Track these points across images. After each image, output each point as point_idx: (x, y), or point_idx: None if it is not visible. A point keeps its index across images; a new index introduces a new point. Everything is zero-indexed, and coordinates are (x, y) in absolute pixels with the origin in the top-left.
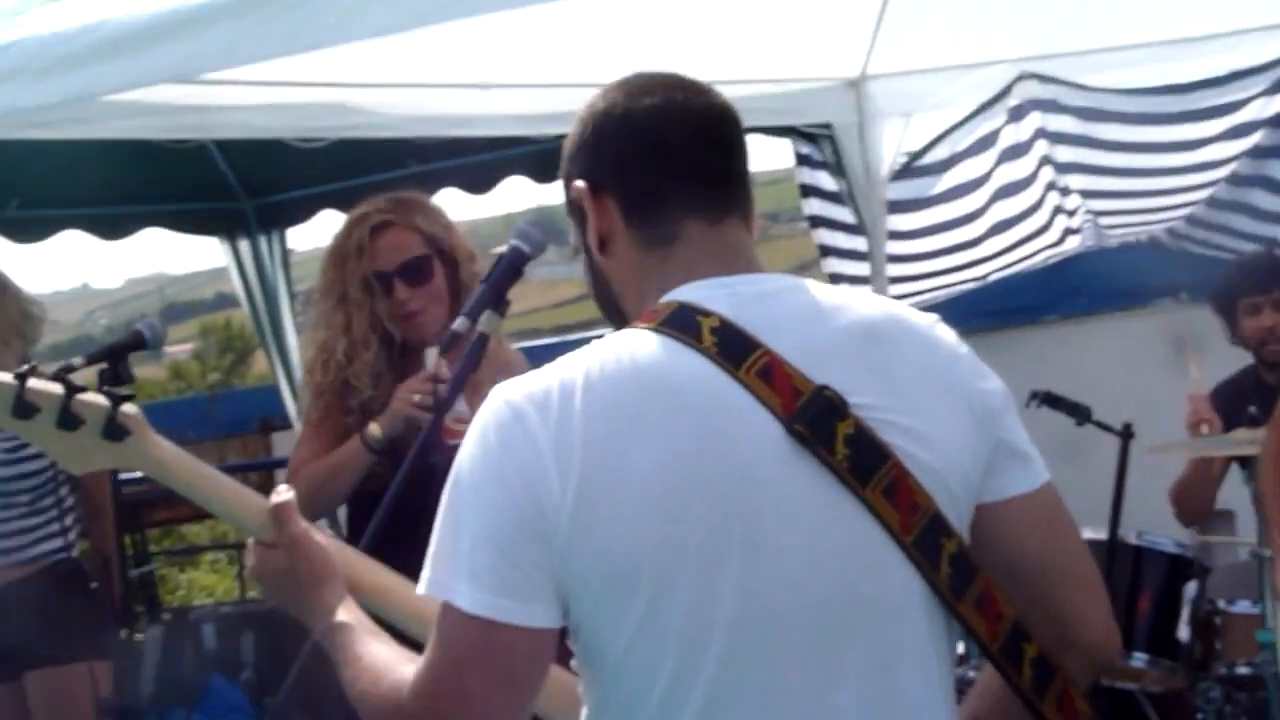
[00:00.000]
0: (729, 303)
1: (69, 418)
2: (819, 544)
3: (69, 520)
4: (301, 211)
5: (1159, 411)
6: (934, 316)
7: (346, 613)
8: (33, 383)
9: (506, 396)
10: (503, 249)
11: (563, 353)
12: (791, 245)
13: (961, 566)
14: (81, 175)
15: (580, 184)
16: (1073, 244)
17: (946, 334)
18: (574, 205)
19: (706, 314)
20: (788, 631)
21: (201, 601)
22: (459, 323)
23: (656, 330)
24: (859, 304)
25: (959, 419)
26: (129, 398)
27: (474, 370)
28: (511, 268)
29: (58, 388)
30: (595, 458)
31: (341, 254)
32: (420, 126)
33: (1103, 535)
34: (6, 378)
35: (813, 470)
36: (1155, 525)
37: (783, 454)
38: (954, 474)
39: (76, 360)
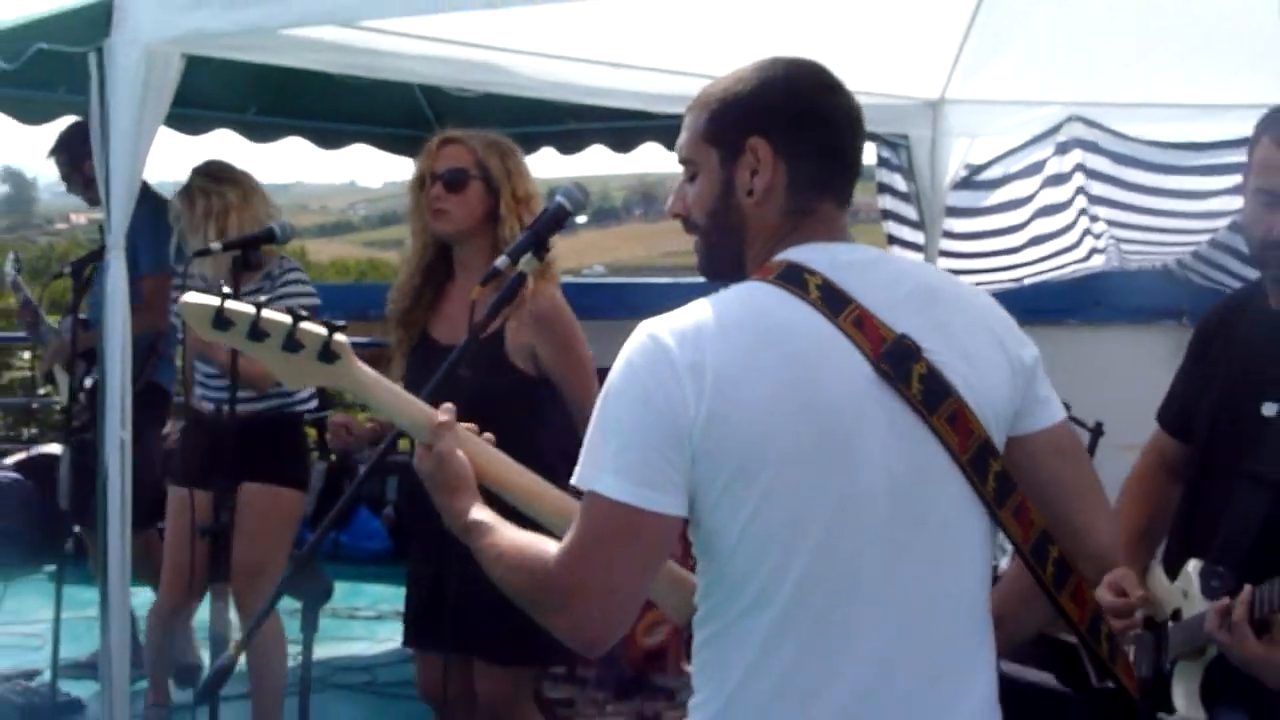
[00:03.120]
0: (830, 266)
1: (293, 343)
2: (896, 459)
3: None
4: None
5: (1144, 415)
6: (981, 290)
7: (479, 513)
8: (265, 312)
9: (651, 330)
10: (553, 202)
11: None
12: (864, 231)
13: (1004, 482)
14: (306, 93)
15: (764, 141)
16: (1097, 262)
17: (990, 302)
18: (735, 142)
19: (812, 273)
20: (867, 527)
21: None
22: (501, 260)
23: (773, 283)
24: (925, 273)
25: (1000, 369)
26: (342, 328)
27: (509, 303)
28: (555, 220)
29: (286, 318)
30: (724, 382)
31: (425, 152)
32: (555, 91)
33: None
34: (245, 306)
35: (893, 401)
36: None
37: (871, 386)
38: (994, 412)
39: (214, 245)
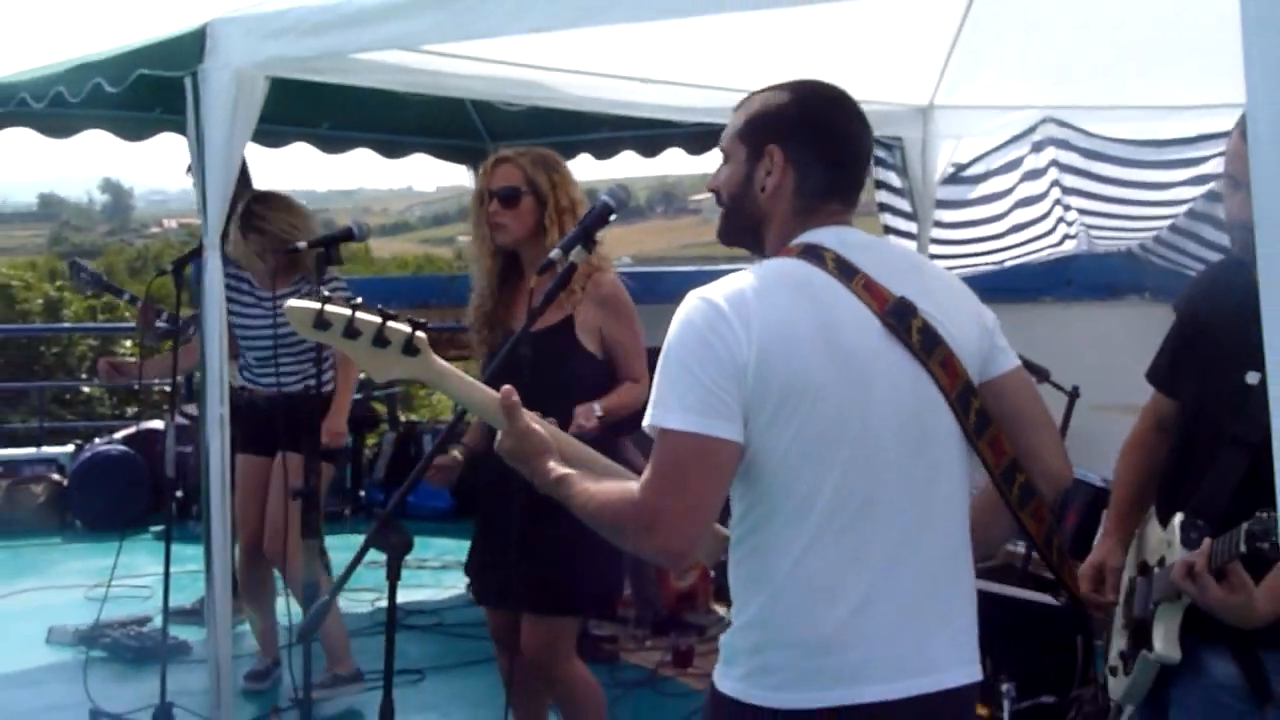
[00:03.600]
0: (839, 245)
1: (382, 340)
2: (901, 395)
3: (328, 363)
4: None
5: (1112, 379)
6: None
7: (564, 468)
8: (359, 314)
9: (704, 295)
10: (599, 201)
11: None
12: (862, 223)
13: (982, 417)
14: (372, 109)
15: (777, 149)
16: (1069, 247)
17: (958, 279)
18: (759, 144)
19: (826, 249)
20: (882, 452)
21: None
22: (555, 253)
23: (797, 258)
24: (911, 253)
25: (973, 326)
26: (423, 325)
27: (563, 289)
28: (601, 216)
29: (376, 318)
30: (768, 329)
31: (482, 171)
32: (590, 104)
33: None
34: (342, 309)
35: (897, 348)
36: (1089, 464)
37: (880, 337)
38: (970, 359)
39: (301, 244)
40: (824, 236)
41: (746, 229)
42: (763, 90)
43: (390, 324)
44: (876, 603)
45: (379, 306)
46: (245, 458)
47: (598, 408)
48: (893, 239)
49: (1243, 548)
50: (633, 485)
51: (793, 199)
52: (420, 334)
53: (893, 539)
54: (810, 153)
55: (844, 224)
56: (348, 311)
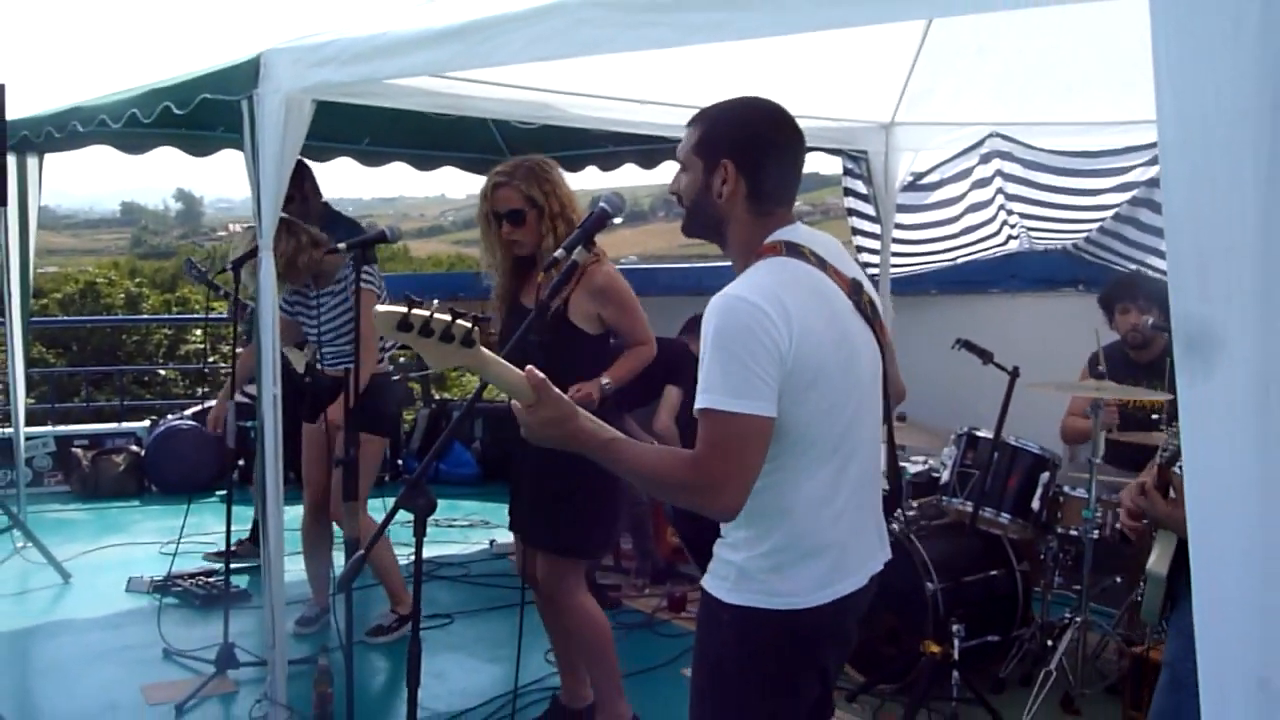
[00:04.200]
0: (809, 242)
1: (449, 335)
2: (870, 356)
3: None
4: None
5: (1049, 361)
6: None
7: (607, 432)
8: (436, 315)
9: (740, 296)
10: (597, 207)
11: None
12: (833, 226)
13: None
14: (406, 128)
15: (730, 163)
16: (1013, 246)
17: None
18: (713, 159)
19: (803, 246)
20: (865, 399)
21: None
22: (559, 253)
23: (787, 256)
24: (833, 240)
25: (872, 290)
26: (480, 319)
27: (565, 284)
28: (599, 220)
29: (447, 316)
30: (801, 323)
31: (482, 193)
32: (596, 122)
33: (990, 436)
34: (421, 311)
35: (860, 320)
36: (1028, 435)
37: (853, 315)
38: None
39: (340, 245)
40: (793, 235)
41: (707, 227)
42: (712, 108)
43: (457, 321)
44: (848, 511)
45: (438, 302)
46: (308, 427)
47: (605, 380)
48: (860, 240)
49: (1158, 458)
50: (684, 453)
51: (746, 203)
52: (475, 329)
53: (859, 461)
54: (757, 164)
55: (794, 222)
56: (426, 313)
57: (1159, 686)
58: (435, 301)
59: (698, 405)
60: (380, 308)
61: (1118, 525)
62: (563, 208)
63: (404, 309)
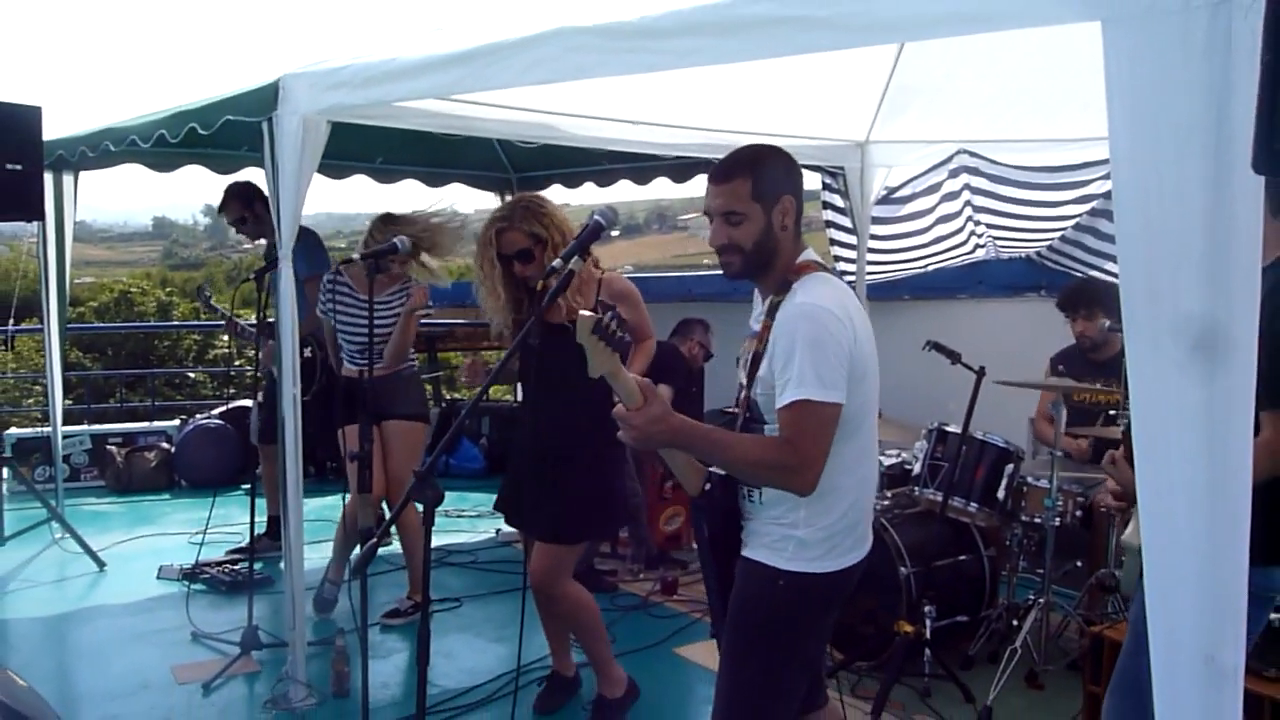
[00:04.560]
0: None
1: (614, 343)
2: (873, 353)
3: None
4: (543, 181)
5: (1014, 361)
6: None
7: (704, 427)
8: (614, 325)
9: (820, 304)
10: (592, 220)
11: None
12: (813, 238)
13: None
14: (417, 147)
15: (790, 198)
16: (980, 254)
17: None
18: (774, 199)
19: (826, 264)
20: (877, 389)
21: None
22: (557, 263)
23: (829, 273)
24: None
25: None
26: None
27: (563, 291)
28: (593, 233)
29: (616, 328)
30: (857, 331)
31: (484, 241)
32: (593, 141)
33: (959, 430)
34: (607, 321)
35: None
36: (995, 429)
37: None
38: None
39: (355, 256)
40: (811, 256)
41: (762, 263)
42: (741, 160)
43: (618, 332)
44: (871, 489)
45: (616, 316)
46: (353, 428)
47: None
48: (838, 250)
49: (1122, 428)
50: (773, 439)
51: (793, 229)
52: (622, 334)
53: (873, 445)
54: (799, 192)
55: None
56: (614, 323)
57: (1123, 650)
58: (610, 313)
59: (794, 396)
60: (584, 313)
61: (1083, 502)
62: (563, 236)
63: (599, 316)
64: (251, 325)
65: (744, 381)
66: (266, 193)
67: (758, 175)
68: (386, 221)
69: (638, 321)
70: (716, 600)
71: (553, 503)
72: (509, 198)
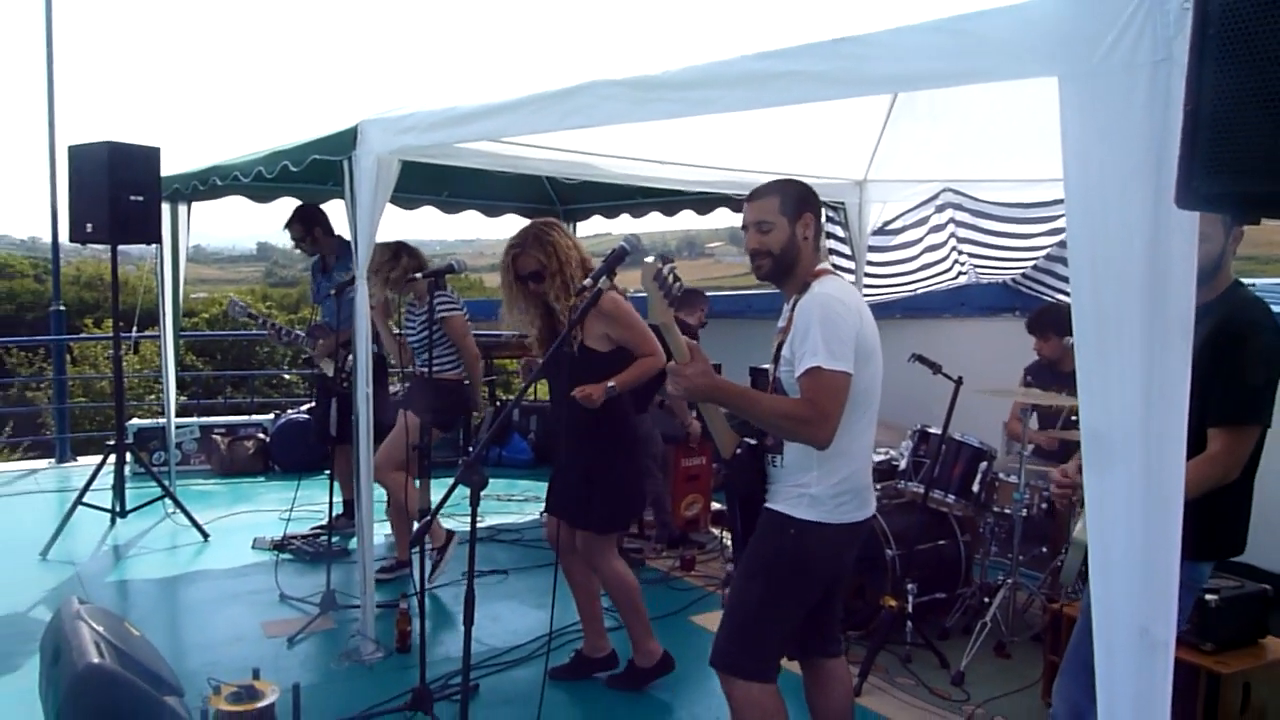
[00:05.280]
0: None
1: (671, 295)
2: (876, 344)
3: (455, 357)
4: (586, 213)
5: (989, 373)
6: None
7: (740, 386)
8: (670, 273)
9: (831, 294)
10: (618, 246)
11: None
12: None
13: None
14: (477, 182)
15: (811, 215)
16: (962, 280)
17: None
18: (798, 215)
19: (839, 270)
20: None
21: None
22: (587, 281)
23: (837, 276)
24: None
25: None
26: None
27: (594, 306)
28: (618, 257)
29: (671, 277)
30: (862, 318)
31: (504, 266)
32: (627, 179)
33: (940, 432)
34: (667, 269)
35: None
36: (971, 431)
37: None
38: None
39: (417, 275)
40: (827, 264)
41: (785, 268)
42: (770, 185)
43: (679, 284)
44: (867, 462)
45: (670, 266)
46: (403, 413)
47: (611, 384)
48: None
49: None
50: (795, 399)
51: (813, 244)
52: (678, 287)
53: (873, 425)
54: (818, 215)
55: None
56: (669, 271)
57: (1075, 629)
58: (669, 266)
59: (810, 364)
60: (647, 260)
61: (1047, 496)
62: (561, 262)
63: (660, 264)
64: (295, 330)
65: (771, 366)
66: (332, 220)
67: (784, 195)
68: (400, 250)
69: (632, 340)
70: (739, 548)
71: (579, 495)
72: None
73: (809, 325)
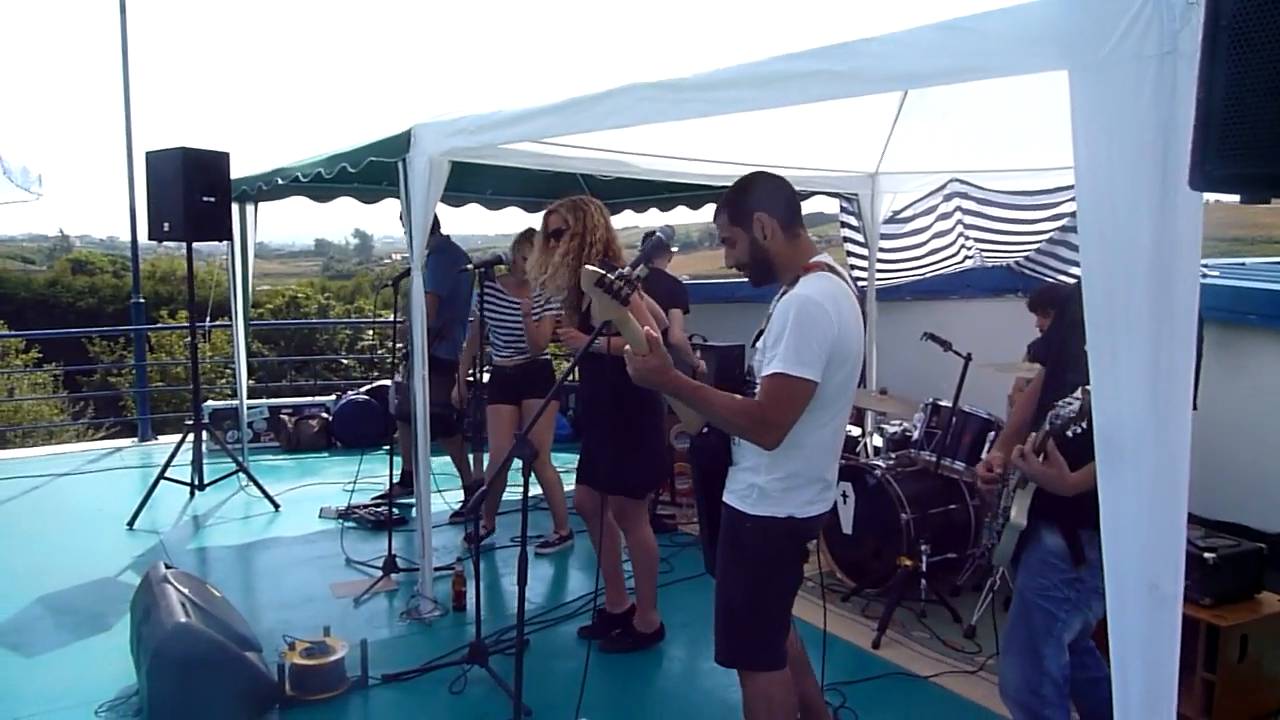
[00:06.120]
0: (835, 264)
1: (617, 294)
2: (862, 343)
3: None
4: (618, 208)
5: (995, 350)
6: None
7: (693, 382)
8: (615, 280)
9: (810, 296)
10: (655, 237)
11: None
12: (834, 251)
13: None
14: (518, 180)
15: (761, 213)
16: (969, 264)
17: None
18: (749, 220)
19: (834, 267)
20: (857, 376)
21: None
22: (627, 269)
23: (827, 273)
24: (844, 265)
25: None
26: (632, 280)
27: (634, 290)
28: (656, 246)
29: (620, 281)
30: (841, 320)
31: (543, 225)
32: (655, 174)
33: (950, 404)
34: (611, 276)
35: (859, 317)
36: (979, 404)
37: (858, 312)
38: None
39: (469, 265)
40: (825, 259)
41: (766, 271)
42: (725, 196)
43: (622, 288)
44: (835, 454)
45: (618, 272)
46: (496, 406)
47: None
48: (853, 261)
49: (1047, 426)
50: (750, 400)
51: (782, 235)
52: (627, 290)
53: (844, 420)
54: (772, 204)
55: (820, 251)
56: (614, 278)
57: (1011, 612)
58: (617, 271)
59: (773, 368)
60: (587, 267)
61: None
62: (584, 230)
63: (601, 272)
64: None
65: (750, 351)
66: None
67: (731, 207)
68: (525, 237)
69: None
70: (706, 535)
71: (613, 462)
72: None
73: (784, 327)
